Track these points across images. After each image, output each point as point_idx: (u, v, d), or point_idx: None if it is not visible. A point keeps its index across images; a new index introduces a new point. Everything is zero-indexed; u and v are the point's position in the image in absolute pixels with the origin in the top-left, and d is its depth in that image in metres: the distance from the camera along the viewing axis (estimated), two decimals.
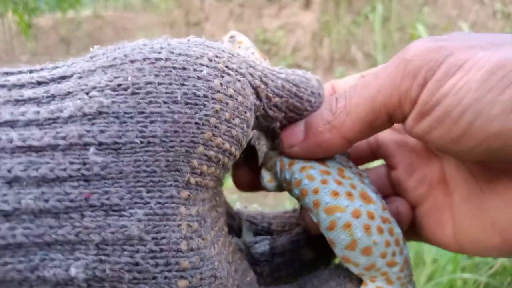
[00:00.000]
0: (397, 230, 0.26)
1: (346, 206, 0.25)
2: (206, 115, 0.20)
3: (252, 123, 0.23)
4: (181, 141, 0.19)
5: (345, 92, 0.26)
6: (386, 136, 0.31)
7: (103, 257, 0.17)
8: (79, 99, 0.18)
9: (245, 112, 0.22)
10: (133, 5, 7.14)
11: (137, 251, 0.18)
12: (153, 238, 0.18)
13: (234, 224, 0.32)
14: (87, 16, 6.17)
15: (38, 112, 0.18)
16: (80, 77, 0.19)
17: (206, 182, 0.21)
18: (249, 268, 0.27)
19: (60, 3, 2.62)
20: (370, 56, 2.89)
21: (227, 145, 0.21)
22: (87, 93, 0.18)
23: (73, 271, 0.17)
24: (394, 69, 0.23)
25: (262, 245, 0.31)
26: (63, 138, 0.17)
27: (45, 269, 0.16)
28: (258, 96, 0.24)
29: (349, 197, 0.25)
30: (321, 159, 0.28)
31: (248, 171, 0.31)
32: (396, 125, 0.28)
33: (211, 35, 3.39)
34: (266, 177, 0.30)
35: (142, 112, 0.18)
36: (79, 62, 0.21)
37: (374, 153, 0.32)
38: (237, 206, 0.34)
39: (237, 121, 0.21)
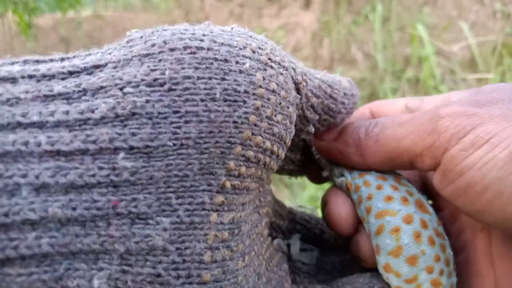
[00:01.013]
0: (450, 251, 0.25)
1: (398, 210, 0.24)
2: (245, 113, 0.19)
3: (295, 118, 0.22)
4: (216, 142, 0.18)
5: (385, 121, 0.27)
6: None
7: (126, 268, 0.16)
8: (112, 96, 0.17)
9: (288, 108, 0.21)
10: (133, 5, 7.13)
11: (160, 262, 0.17)
12: (177, 249, 0.17)
13: (283, 224, 0.30)
14: (87, 16, 6.16)
15: (67, 112, 0.17)
16: (115, 67, 0.18)
17: (246, 184, 0.20)
18: (287, 277, 0.25)
19: (60, 3, 2.61)
20: (370, 56, 2.89)
21: (268, 144, 0.20)
22: (121, 89, 0.17)
23: (95, 283, 0.16)
24: (427, 120, 0.24)
25: (310, 256, 0.29)
26: (93, 142, 0.16)
27: (68, 279, 0.16)
28: (299, 93, 0.23)
29: (404, 202, 0.25)
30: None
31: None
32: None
33: None
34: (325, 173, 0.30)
35: (177, 112, 0.17)
36: (114, 49, 0.19)
37: (423, 188, 0.32)
38: (291, 205, 0.32)
39: (279, 117, 0.20)
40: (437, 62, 2.60)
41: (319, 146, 0.30)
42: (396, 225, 0.23)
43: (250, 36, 0.22)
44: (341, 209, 0.29)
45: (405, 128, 0.25)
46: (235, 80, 0.19)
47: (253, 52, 0.20)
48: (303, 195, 1.83)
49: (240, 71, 0.19)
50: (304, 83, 0.23)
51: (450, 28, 2.71)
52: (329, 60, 2.99)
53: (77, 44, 5.81)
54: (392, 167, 0.27)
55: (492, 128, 0.22)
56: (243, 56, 0.19)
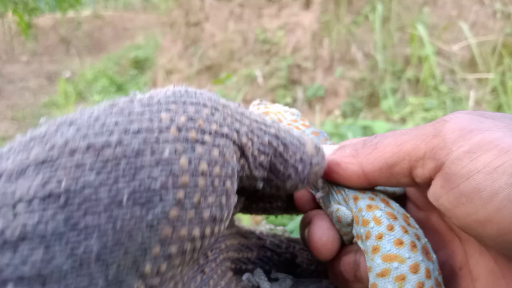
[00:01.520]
0: None
1: (408, 258, 0.24)
2: (163, 211, 0.16)
3: (235, 188, 0.20)
4: (126, 252, 0.15)
5: (385, 133, 0.27)
6: (411, 210, 0.30)
7: None
8: (2, 217, 0.15)
9: (224, 183, 0.19)
10: (133, 5, 7.14)
11: None
12: None
13: (252, 256, 0.28)
14: (87, 16, 6.18)
15: None
16: (9, 179, 0.15)
17: (170, 275, 0.17)
18: None
19: (60, 3, 2.61)
20: (370, 56, 2.89)
21: (196, 231, 0.17)
22: (13, 207, 0.15)
23: None
24: (431, 125, 0.24)
25: (282, 286, 0.28)
26: None
27: None
28: (244, 155, 0.21)
29: (412, 249, 0.24)
30: (385, 199, 0.27)
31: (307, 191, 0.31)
32: (419, 202, 0.28)
33: (211, 35, 3.39)
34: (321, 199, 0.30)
35: (74, 228, 0.15)
36: (15, 151, 0.17)
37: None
38: (263, 226, 0.31)
39: (211, 199, 0.18)
40: (437, 62, 2.61)
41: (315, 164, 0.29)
42: (403, 273, 0.23)
43: (184, 103, 0.20)
44: (327, 235, 0.28)
45: (407, 134, 0.25)
46: (148, 177, 0.16)
47: (179, 130, 0.18)
48: None
49: (157, 163, 0.16)
50: (249, 144, 0.21)
51: (450, 28, 2.71)
52: (329, 60, 2.99)
53: (77, 44, 5.81)
54: (389, 176, 0.25)
55: (500, 135, 0.21)
56: (163, 141, 0.17)
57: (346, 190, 0.28)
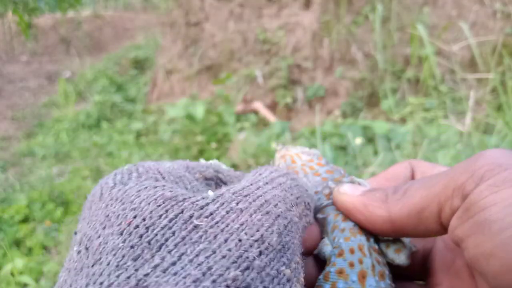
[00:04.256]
0: None
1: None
2: None
3: None
4: None
5: (414, 180, 0.26)
6: (439, 248, 0.30)
7: None
8: None
9: None
10: (133, 5, 7.14)
11: None
12: None
13: None
14: (87, 16, 6.18)
15: None
16: None
17: None
18: None
19: (60, 3, 2.62)
20: (370, 56, 2.89)
21: None
22: None
23: None
24: (461, 164, 0.24)
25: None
26: None
27: None
28: None
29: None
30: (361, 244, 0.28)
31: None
32: (448, 242, 0.28)
33: (211, 35, 3.39)
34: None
35: None
36: None
37: (420, 263, 0.31)
38: None
39: None
40: (437, 62, 2.61)
41: (341, 200, 0.29)
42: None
43: None
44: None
45: (438, 176, 0.25)
46: None
47: None
48: None
49: None
50: None
51: (450, 28, 2.71)
52: (329, 60, 2.99)
53: (77, 44, 5.81)
54: (417, 223, 0.25)
55: None
56: None
57: (341, 222, 0.29)
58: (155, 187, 0.25)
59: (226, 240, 0.22)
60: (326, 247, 0.28)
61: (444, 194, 0.23)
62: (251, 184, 0.26)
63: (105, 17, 6.23)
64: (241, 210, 0.24)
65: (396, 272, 0.29)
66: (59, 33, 5.85)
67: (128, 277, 0.20)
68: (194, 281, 0.19)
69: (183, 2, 3.53)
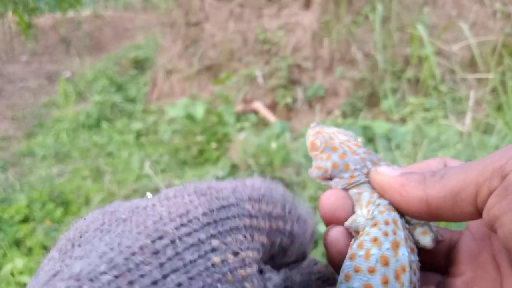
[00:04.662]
0: None
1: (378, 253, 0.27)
2: None
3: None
4: None
5: (452, 165, 0.27)
6: (466, 239, 0.30)
7: None
8: None
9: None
10: (133, 5, 7.14)
11: None
12: None
13: None
14: (87, 16, 6.18)
15: None
16: None
17: None
18: None
19: (60, 3, 2.62)
20: (370, 56, 2.89)
21: None
22: None
23: None
24: (498, 151, 0.24)
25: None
26: None
27: None
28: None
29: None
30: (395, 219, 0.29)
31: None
32: (476, 232, 0.29)
33: (211, 35, 3.39)
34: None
35: None
36: None
37: (445, 254, 0.31)
38: None
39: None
40: (437, 62, 2.61)
41: (378, 179, 0.30)
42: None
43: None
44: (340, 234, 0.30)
45: (476, 162, 0.25)
46: None
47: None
48: (303, 195, 1.83)
49: None
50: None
51: (450, 28, 2.71)
52: (329, 60, 2.99)
53: (77, 44, 5.80)
54: (453, 205, 0.26)
55: None
56: None
57: (377, 198, 0.30)
58: (104, 212, 0.26)
59: (145, 221, 0.22)
60: (360, 218, 0.29)
61: (482, 177, 0.24)
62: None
63: (105, 17, 6.23)
64: (175, 196, 0.24)
65: (420, 260, 0.29)
66: (59, 33, 5.85)
67: (51, 271, 0.20)
68: (100, 256, 0.20)
69: (183, 2, 3.53)
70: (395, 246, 0.27)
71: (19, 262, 1.73)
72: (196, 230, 0.22)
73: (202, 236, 0.22)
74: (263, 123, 2.86)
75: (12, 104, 4.27)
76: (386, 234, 0.27)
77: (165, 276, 0.20)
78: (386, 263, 0.26)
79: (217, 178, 2.28)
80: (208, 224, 0.22)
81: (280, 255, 0.27)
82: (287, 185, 2.11)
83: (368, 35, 2.92)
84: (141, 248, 0.20)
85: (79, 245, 0.22)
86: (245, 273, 0.22)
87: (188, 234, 0.21)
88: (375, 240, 0.27)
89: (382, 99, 2.70)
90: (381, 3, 2.81)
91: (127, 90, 4.14)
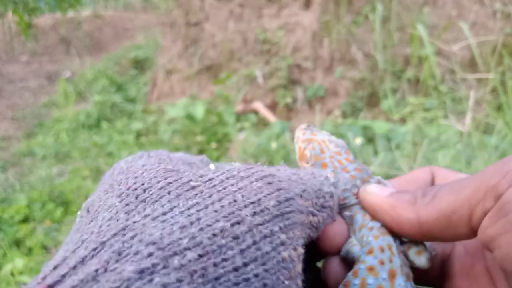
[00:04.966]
0: None
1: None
2: None
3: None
4: None
5: (443, 184, 0.26)
6: (458, 252, 0.30)
7: None
8: None
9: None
10: (133, 5, 7.14)
11: None
12: None
13: None
14: (87, 16, 6.18)
15: None
16: None
17: None
18: None
19: (60, 3, 2.62)
20: (370, 56, 2.89)
21: None
22: None
23: None
24: (490, 167, 0.24)
25: None
26: None
27: None
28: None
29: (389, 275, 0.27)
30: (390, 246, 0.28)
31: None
32: (470, 246, 0.28)
33: (211, 35, 3.39)
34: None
35: None
36: None
37: (438, 268, 0.31)
38: None
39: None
40: (437, 62, 2.61)
41: (368, 199, 0.29)
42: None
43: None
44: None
45: (468, 179, 0.25)
46: None
47: None
48: None
49: None
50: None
51: (450, 28, 2.71)
52: (329, 60, 2.99)
53: (77, 44, 5.80)
54: (446, 226, 0.25)
55: None
56: None
57: (369, 222, 0.29)
58: (160, 163, 0.25)
59: (220, 199, 0.22)
60: (355, 247, 0.28)
61: (475, 197, 0.23)
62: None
63: (105, 17, 6.23)
64: (242, 178, 0.24)
65: (414, 276, 0.29)
66: (59, 33, 5.85)
67: (117, 224, 0.20)
68: (181, 228, 0.20)
69: (183, 2, 3.53)
70: (392, 276, 0.26)
71: (19, 262, 1.73)
72: (267, 221, 0.22)
73: (275, 228, 0.22)
74: (263, 123, 2.86)
75: (12, 104, 4.27)
76: (382, 263, 0.27)
77: (245, 264, 0.20)
78: None
79: None
80: (276, 216, 0.22)
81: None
82: None
83: (368, 35, 2.92)
84: (222, 230, 0.20)
85: (145, 201, 0.22)
86: (300, 270, 0.22)
87: (262, 224, 0.21)
88: (371, 269, 0.26)
89: (382, 99, 2.70)
90: (381, 3, 2.81)
91: (127, 90, 4.14)
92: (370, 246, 0.27)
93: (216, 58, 3.35)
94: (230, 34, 3.27)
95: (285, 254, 0.21)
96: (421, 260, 0.28)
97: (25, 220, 2.18)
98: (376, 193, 0.29)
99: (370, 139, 2.25)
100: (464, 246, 0.29)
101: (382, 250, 0.27)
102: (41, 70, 5.17)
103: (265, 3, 3.23)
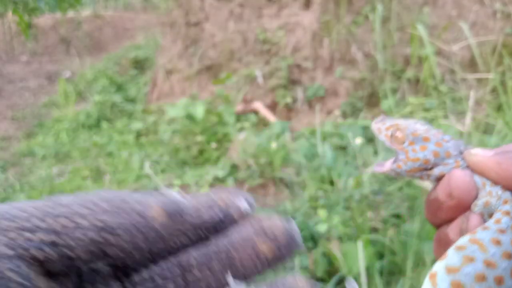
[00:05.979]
0: None
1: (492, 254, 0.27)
2: None
3: None
4: None
5: None
6: None
7: None
8: None
9: None
10: (133, 5, 7.14)
11: None
12: None
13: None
14: (87, 16, 6.19)
15: None
16: None
17: None
18: None
19: (60, 3, 2.62)
20: (370, 56, 2.89)
21: None
22: None
23: None
24: None
25: None
26: None
27: None
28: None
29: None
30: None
31: None
32: None
33: (211, 35, 3.39)
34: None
35: None
36: None
37: None
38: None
39: None
40: (437, 62, 2.61)
41: (474, 160, 0.31)
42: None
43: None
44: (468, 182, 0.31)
45: None
46: None
47: None
48: (303, 195, 1.83)
49: None
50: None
51: (450, 28, 2.71)
52: (329, 60, 3.00)
53: (77, 44, 5.81)
54: None
55: None
56: None
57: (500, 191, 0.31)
58: None
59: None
60: (493, 199, 0.30)
61: None
62: None
63: (105, 17, 6.23)
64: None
65: None
66: (59, 33, 5.85)
67: None
68: None
69: (183, 2, 3.53)
70: None
71: None
72: None
73: None
74: (263, 123, 2.86)
75: (12, 104, 4.27)
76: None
77: None
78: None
79: (217, 178, 2.29)
80: None
81: None
82: (287, 185, 2.11)
83: (368, 35, 2.92)
84: None
85: None
86: None
87: None
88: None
89: (382, 99, 2.70)
90: (381, 3, 2.81)
91: (127, 90, 4.14)
92: (504, 197, 0.30)
93: (216, 58, 3.35)
94: (230, 34, 3.27)
95: None
96: None
97: None
98: (481, 153, 0.31)
99: (370, 139, 2.25)
100: None
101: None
102: (41, 70, 5.17)
103: (265, 3, 3.23)
